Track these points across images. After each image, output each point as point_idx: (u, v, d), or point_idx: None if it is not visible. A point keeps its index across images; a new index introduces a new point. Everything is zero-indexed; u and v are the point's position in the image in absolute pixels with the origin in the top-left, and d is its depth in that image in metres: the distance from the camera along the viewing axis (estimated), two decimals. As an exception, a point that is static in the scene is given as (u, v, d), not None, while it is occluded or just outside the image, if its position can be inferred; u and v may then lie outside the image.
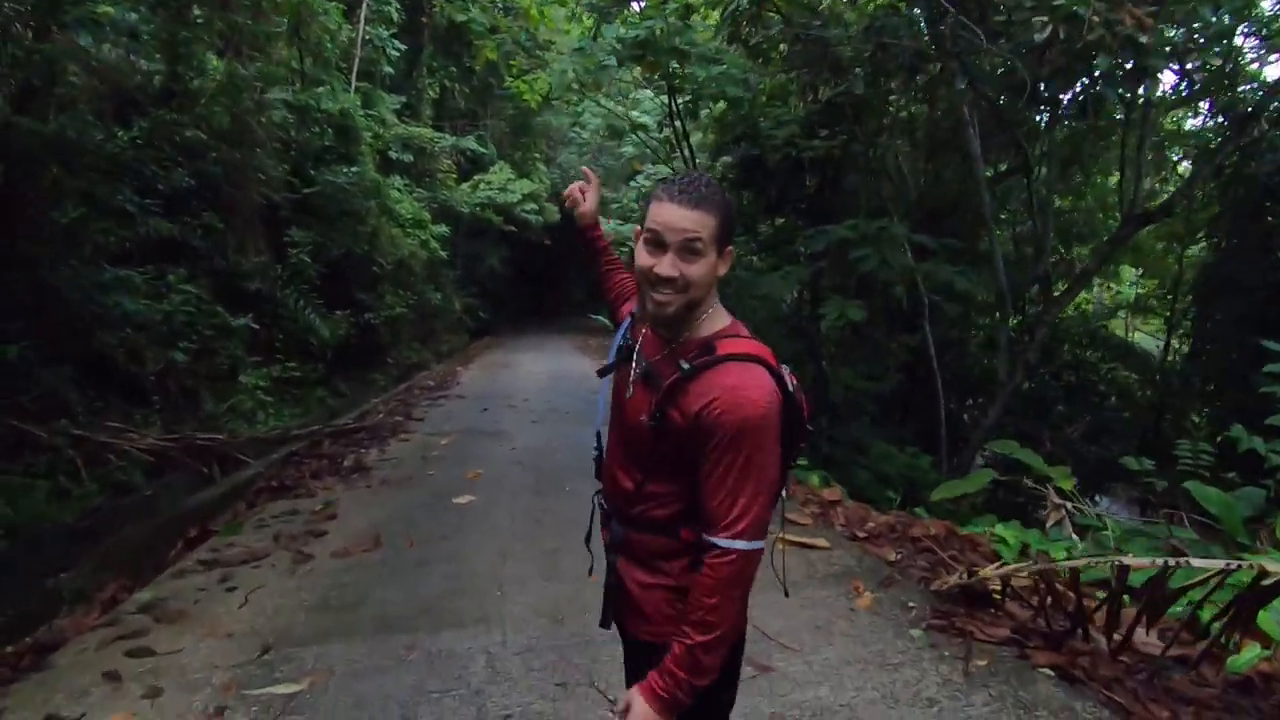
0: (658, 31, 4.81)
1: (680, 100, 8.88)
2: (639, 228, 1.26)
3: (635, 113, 8.48)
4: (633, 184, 17.68)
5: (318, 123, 9.09)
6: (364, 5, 11.42)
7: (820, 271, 8.07)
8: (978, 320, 10.82)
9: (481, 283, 17.98)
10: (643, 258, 1.23)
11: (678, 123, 9.17)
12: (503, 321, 20.57)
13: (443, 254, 13.02)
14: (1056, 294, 8.20)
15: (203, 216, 6.84)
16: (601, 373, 1.45)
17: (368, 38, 11.20)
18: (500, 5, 14.44)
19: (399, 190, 11.85)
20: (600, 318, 21.85)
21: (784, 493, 1.42)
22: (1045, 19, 2.57)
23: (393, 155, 12.40)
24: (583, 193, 1.77)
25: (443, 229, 13.13)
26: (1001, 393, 7.95)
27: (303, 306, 7.82)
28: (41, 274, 4.66)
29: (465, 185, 15.75)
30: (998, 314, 10.68)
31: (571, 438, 6.71)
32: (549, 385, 10.43)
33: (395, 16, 12.10)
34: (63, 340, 4.89)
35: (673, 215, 1.18)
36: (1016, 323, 9.33)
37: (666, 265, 1.19)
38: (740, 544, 1.15)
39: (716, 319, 1.30)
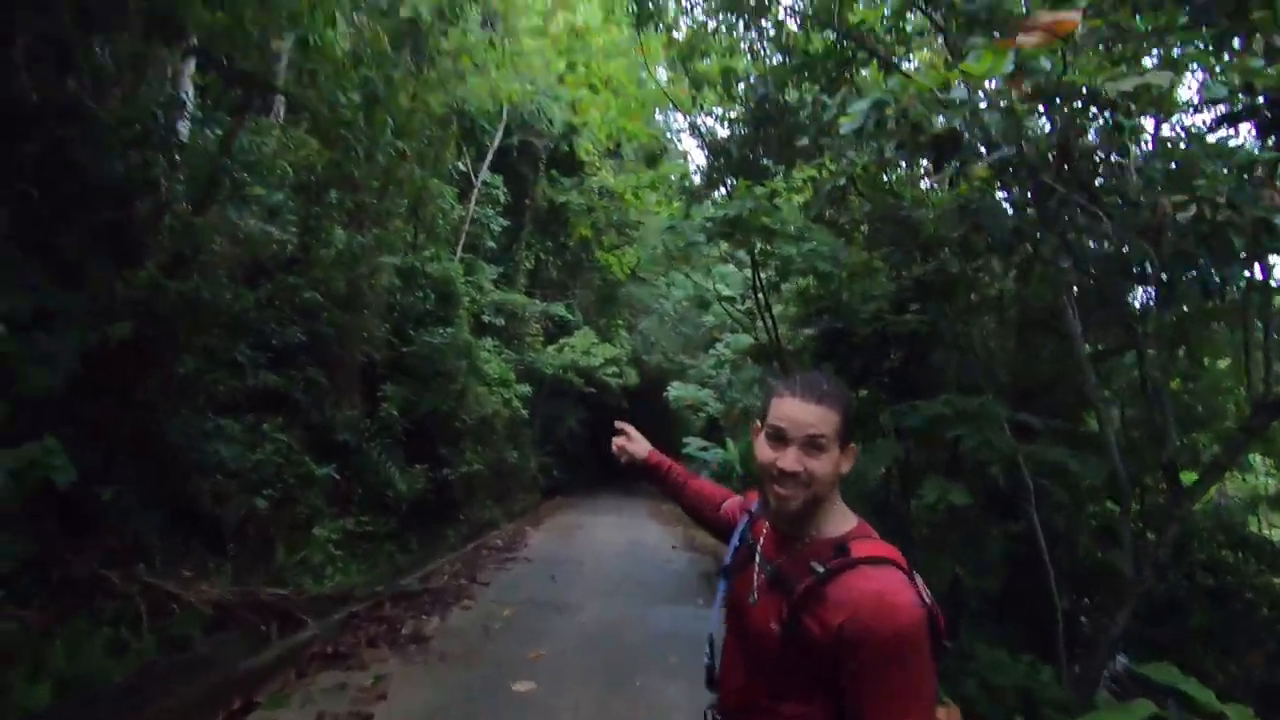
0: (746, 212, 5.00)
1: (764, 274, 9.14)
2: (756, 424, 1.27)
3: (721, 286, 8.73)
4: (711, 352, 18.01)
5: (422, 288, 9.81)
6: (475, 190, 12.74)
7: (910, 448, 7.66)
8: (1089, 508, 9.85)
9: (559, 442, 18.14)
10: (764, 453, 1.22)
11: (760, 295, 9.38)
12: (576, 482, 20.44)
13: (524, 413, 13.30)
14: (1185, 486, 7.39)
15: (307, 371, 7.26)
16: (722, 573, 1.38)
17: (475, 216, 12.35)
18: (597, 189, 15.79)
19: (489, 351, 12.44)
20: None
21: None
22: (1183, 198, 2.45)
23: (486, 319, 13.18)
24: (626, 444, 1.84)
25: (525, 389, 13.53)
26: (1129, 595, 6.99)
27: (385, 459, 7.97)
28: (154, 420, 4.92)
29: (550, 348, 16.42)
30: (1108, 503, 9.71)
31: (644, 616, 6.21)
32: (622, 552, 9.98)
33: (502, 198, 13.38)
34: (159, 485, 5.05)
35: (796, 410, 1.18)
36: (1136, 513, 8.41)
37: (790, 459, 1.17)
38: None
39: (843, 518, 1.25)
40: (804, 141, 5.16)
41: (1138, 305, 8.05)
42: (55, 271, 4.03)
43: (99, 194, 4.82)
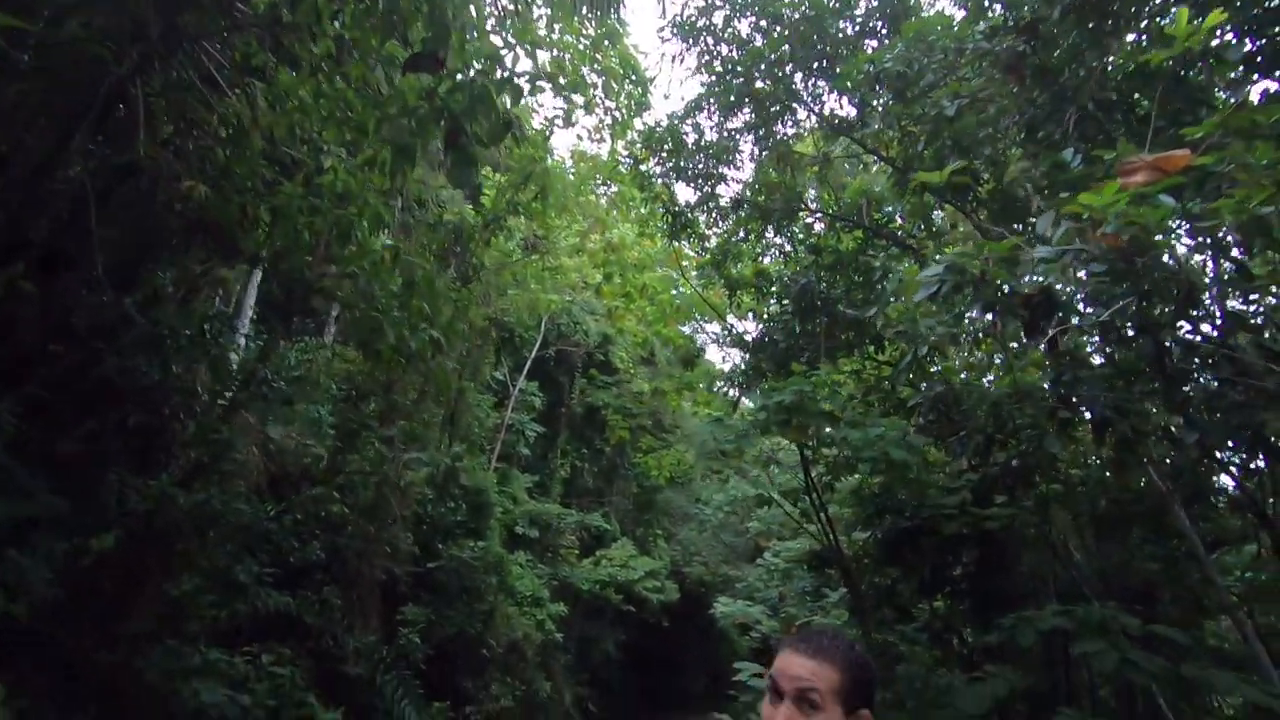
0: (804, 397, 4.60)
1: (816, 471, 8.53)
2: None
3: (779, 481, 8.09)
4: (759, 561, 16.71)
5: (454, 498, 9.34)
6: (512, 398, 12.77)
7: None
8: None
9: (594, 669, 16.32)
10: (765, 711, 1.17)
11: (813, 495, 8.69)
12: (614, 715, 18.07)
13: (557, 636, 12.03)
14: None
15: (323, 591, 6.62)
16: None
17: (511, 423, 12.21)
18: (634, 394, 15.75)
19: (521, 566, 11.59)
20: (725, 716, 18.81)
21: None
22: None
23: (519, 530, 12.48)
24: None
25: (560, 608, 12.39)
26: None
27: (400, 696, 6.94)
28: (136, 655, 4.26)
29: (587, 561, 15.42)
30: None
31: None
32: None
33: (538, 404, 13.37)
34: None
35: (789, 662, 1.15)
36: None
37: (781, 716, 1.11)
38: None
39: None
40: (872, 314, 4.87)
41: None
42: (54, 478, 3.71)
43: (128, 400, 4.67)
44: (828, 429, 5.20)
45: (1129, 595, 7.64)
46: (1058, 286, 2.95)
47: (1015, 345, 5.45)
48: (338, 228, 4.01)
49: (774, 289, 8.36)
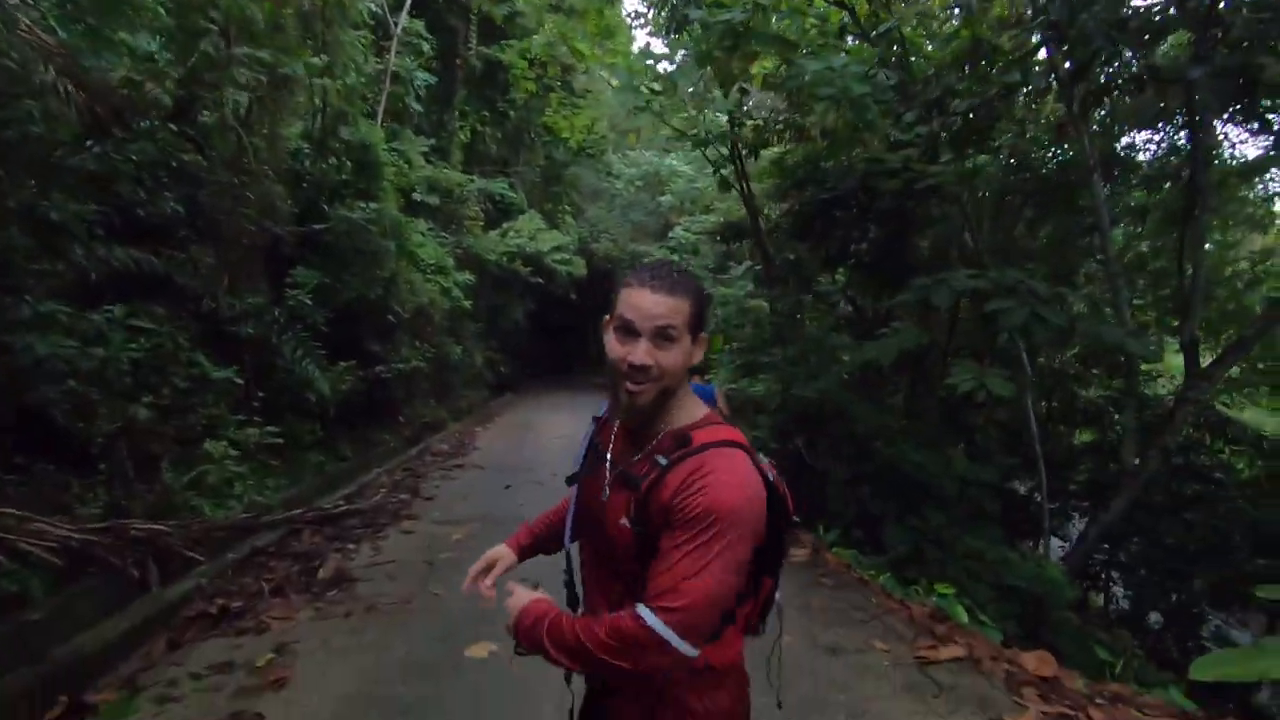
0: (758, 13, 3.70)
1: (742, 137, 7.91)
2: (608, 317, 1.21)
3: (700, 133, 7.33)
4: (671, 235, 16.76)
5: (335, 154, 8.17)
6: (395, 39, 10.72)
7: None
8: (1076, 390, 9.49)
9: (504, 336, 16.94)
10: (614, 348, 1.16)
11: (737, 162, 8.18)
12: (524, 377, 19.45)
13: (465, 304, 11.96)
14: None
15: (190, 249, 5.82)
16: (570, 480, 1.37)
17: (396, 69, 10.42)
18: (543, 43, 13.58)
19: (422, 234, 10.89)
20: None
21: (777, 598, 1.32)
22: None
23: (418, 197, 11.50)
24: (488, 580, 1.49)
25: (467, 277, 12.13)
26: (1128, 483, 6.60)
27: (300, 355, 6.69)
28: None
29: (494, 233, 14.87)
30: (1095, 381, 9.36)
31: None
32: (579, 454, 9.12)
33: (427, 49, 11.39)
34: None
35: (645, 301, 1.13)
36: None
37: (640, 353, 1.12)
38: (656, 622, 1.00)
39: (691, 408, 1.22)
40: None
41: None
42: None
43: None
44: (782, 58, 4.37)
45: (1018, 265, 8.14)
46: None
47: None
48: None
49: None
